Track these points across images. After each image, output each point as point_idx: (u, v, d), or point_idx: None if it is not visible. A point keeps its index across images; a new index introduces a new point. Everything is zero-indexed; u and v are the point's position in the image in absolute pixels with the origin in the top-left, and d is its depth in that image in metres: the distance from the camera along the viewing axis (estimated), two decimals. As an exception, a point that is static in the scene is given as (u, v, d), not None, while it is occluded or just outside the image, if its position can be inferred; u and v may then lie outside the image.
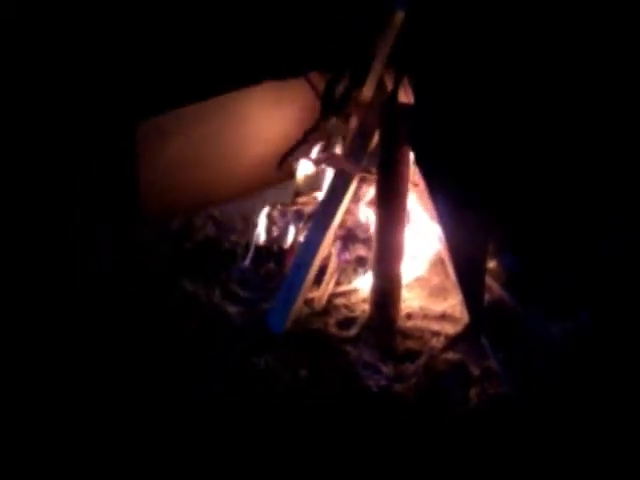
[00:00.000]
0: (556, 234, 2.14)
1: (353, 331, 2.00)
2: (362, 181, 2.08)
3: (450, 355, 1.95)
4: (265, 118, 2.27)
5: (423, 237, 2.19)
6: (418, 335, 2.00)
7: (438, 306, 2.12)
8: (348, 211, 2.13)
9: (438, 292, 2.16)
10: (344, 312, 2.07)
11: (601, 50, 1.98)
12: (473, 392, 1.85)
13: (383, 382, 1.85)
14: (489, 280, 2.08)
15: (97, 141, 2.09)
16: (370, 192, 2.09)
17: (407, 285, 2.13)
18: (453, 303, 2.09)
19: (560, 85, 2.01)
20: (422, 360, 1.92)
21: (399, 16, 1.71)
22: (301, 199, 2.23)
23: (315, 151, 2.13)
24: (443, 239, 1.94)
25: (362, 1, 1.83)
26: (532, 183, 2.09)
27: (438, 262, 2.20)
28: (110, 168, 2.13)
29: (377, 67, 1.86)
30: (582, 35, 2.00)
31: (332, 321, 2.04)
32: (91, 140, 2.09)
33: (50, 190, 2.16)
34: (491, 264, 2.15)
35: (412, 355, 1.94)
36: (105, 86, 2.04)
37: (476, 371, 1.90)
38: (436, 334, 2.01)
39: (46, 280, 2.07)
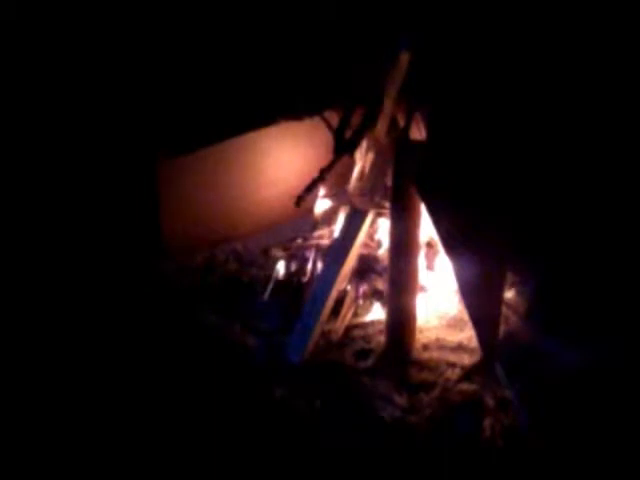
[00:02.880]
0: (573, 262, 2.15)
1: (369, 362, 2.04)
2: (378, 215, 2.14)
3: (465, 386, 1.97)
4: (283, 156, 2.35)
5: (440, 269, 2.23)
6: (433, 366, 2.03)
7: (454, 337, 2.14)
8: (365, 244, 2.18)
9: (455, 323, 2.19)
10: (361, 343, 2.11)
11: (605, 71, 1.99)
12: (487, 423, 1.86)
13: (397, 413, 1.88)
14: (506, 311, 2.10)
15: (120, 179, 2.18)
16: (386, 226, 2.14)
17: (424, 316, 2.16)
18: (470, 334, 2.11)
19: (572, 113, 2.03)
20: (436, 391, 1.94)
21: (405, 56, 1.77)
22: (319, 233, 2.30)
23: (329, 188, 2.19)
24: (452, 271, 1.97)
25: (370, 42, 1.90)
26: (548, 212, 2.11)
27: (456, 293, 2.23)
28: (133, 205, 2.22)
29: (388, 105, 1.92)
30: (592, 61, 2.02)
31: (349, 352, 2.08)
32: (114, 178, 2.18)
33: (71, 222, 2.24)
34: (509, 294, 2.18)
35: (427, 386, 1.96)
36: (127, 128, 2.14)
37: (491, 402, 1.92)
38: (452, 365, 2.03)
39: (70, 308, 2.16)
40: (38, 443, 1.81)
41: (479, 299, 1.96)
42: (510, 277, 2.15)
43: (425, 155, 1.86)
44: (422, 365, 2.03)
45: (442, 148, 1.86)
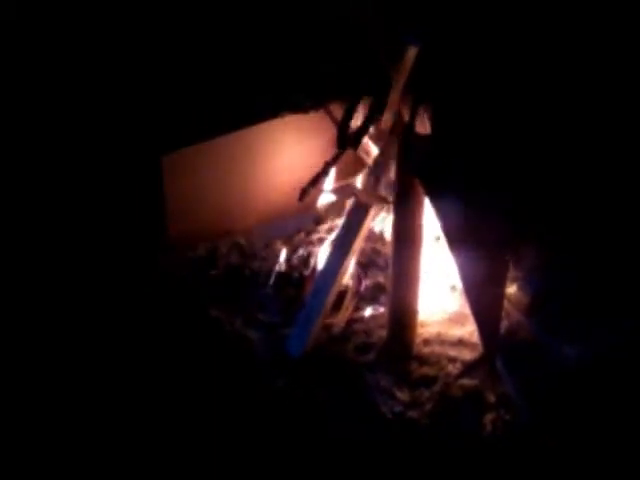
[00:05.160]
0: (579, 258, 2.15)
1: (370, 356, 2.04)
2: (381, 209, 2.14)
3: (466, 381, 1.97)
4: (287, 149, 2.34)
5: (443, 263, 2.23)
6: (434, 361, 2.03)
7: (456, 332, 2.14)
8: (367, 238, 2.18)
9: (457, 318, 2.19)
10: (362, 337, 2.11)
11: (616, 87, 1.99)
12: (488, 419, 1.87)
13: (398, 408, 1.89)
14: (508, 306, 2.10)
15: (124, 171, 2.18)
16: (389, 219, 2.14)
17: (425, 311, 2.16)
18: (471, 329, 2.11)
19: (581, 110, 2.03)
20: (437, 386, 1.95)
21: (412, 51, 1.76)
22: (322, 227, 2.30)
23: (332, 181, 2.19)
24: (455, 266, 1.96)
25: (377, 35, 1.89)
26: (553, 208, 2.11)
27: (457, 288, 2.23)
28: (137, 196, 2.22)
29: (393, 99, 1.91)
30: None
31: (350, 346, 2.08)
32: (118, 170, 2.18)
33: (75, 215, 2.25)
34: (511, 289, 2.17)
35: (428, 381, 1.97)
36: (131, 121, 2.14)
37: (492, 398, 1.92)
38: (453, 360, 2.03)
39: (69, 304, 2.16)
40: (42, 427, 1.82)
41: (481, 294, 1.96)
42: (512, 272, 2.14)
43: (429, 149, 1.85)
44: (423, 360, 2.04)
45: (447, 142, 1.85)
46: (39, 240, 2.21)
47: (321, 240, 2.26)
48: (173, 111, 2.12)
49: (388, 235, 2.19)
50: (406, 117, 2.00)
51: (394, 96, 1.91)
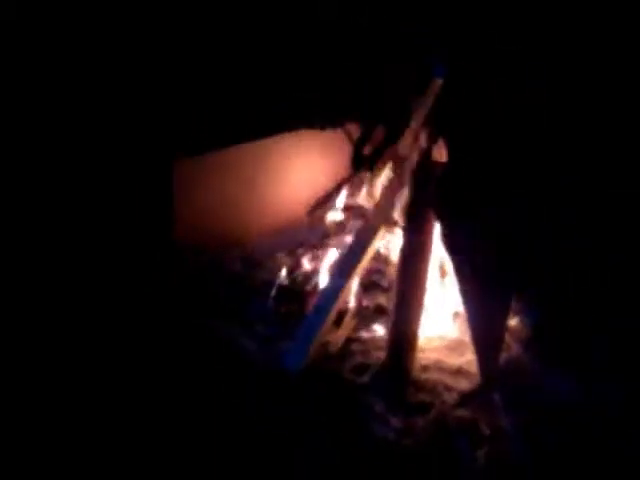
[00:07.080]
0: (585, 295, 2.14)
1: (366, 378, 2.03)
2: (388, 231, 2.13)
3: (462, 412, 1.95)
4: (299, 164, 2.34)
5: (447, 290, 2.22)
6: (431, 388, 2.01)
7: (455, 360, 2.12)
8: (372, 258, 2.17)
9: (456, 346, 2.17)
10: (359, 358, 2.09)
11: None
12: (482, 452, 1.85)
13: (391, 435, 1.87)
14: (508, 338, 2.09)
15: (137, 176, 2.17)
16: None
17: (425, 337, 2.15)
18: (470, 359, 2.09)
19: (592, 147, 2.03)
20: (432, 414, 1.93)
21: (437, 83, 1.77)
22: (328, 242, 2.28)
23: (343, 199, 2.19)
24: (460, 294, 1.96)
25: (403, 62, 1.89)
26: (561, 242, 2.10)
27: (459, 316, 2.22)
28: (148, 201, 2.21)
29: (413, 126, 1.92)
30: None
31: (347, 366, 2.06)
32: (131, 175, 2.16)
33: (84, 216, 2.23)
34: (513, 322, 2.16)
35: (423, 408, 1.95)
36: (146, 127, 2.12)
37: (487, 430, 1.90)
38: (449, 389, 2.01)
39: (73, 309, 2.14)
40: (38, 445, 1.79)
41: (484, 324, 1.96)
42: (514, 304, 2.13)
43: (446, 177, 1.85)
44: (420, 386, 2.01)
45: (463, 173, 1.85)
46: (45, 237, 2.19)
47: (326, 256, 2.24)
48: (188, 120, 2.11)
49: (393, 256, 2.18)
50: (423, 144, 2.01)
51: (414, 124, 1.91)
